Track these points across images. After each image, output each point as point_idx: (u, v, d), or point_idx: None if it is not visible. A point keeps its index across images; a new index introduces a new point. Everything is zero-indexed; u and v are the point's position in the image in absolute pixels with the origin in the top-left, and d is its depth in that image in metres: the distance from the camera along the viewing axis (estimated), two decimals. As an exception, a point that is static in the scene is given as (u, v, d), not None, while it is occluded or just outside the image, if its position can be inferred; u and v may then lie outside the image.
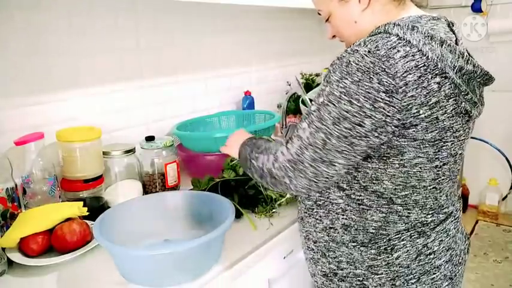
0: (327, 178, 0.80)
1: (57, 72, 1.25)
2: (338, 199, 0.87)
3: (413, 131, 0.75)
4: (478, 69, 0.80)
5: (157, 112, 1.58)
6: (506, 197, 3.07)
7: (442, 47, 0.76)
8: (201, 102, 1.76)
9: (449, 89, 0.76)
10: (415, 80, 0.73)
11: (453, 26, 0.85)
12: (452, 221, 0.91)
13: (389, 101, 0.72)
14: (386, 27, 0.79)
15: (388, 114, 0.73)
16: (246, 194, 1.19)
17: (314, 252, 0.95)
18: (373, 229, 0.85)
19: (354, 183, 0.84)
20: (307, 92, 2.01)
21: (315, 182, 0.80)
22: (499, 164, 3.05)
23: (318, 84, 2.12)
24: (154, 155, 1.31)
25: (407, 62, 0.73)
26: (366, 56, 0.74)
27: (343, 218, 0.88)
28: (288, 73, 2.23)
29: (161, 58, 1.56)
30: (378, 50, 0.74)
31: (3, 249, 0.95)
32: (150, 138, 1.33)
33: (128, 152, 1.27)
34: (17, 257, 0.94)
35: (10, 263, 0.94)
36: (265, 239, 1.05)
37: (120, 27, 1.40)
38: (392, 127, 0.74)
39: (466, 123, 0.83)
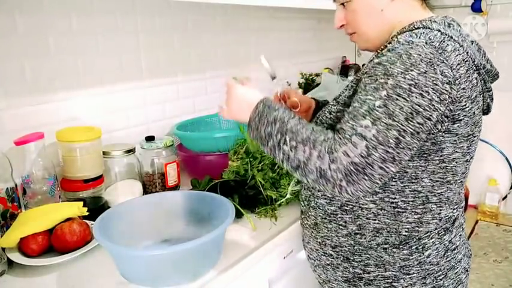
0: (388, 178, 0.75)
1: (57, 72, 1.25)
2: (369, 204, 0.84)
3: (458, 125, 0.77)
4: (493, 69, 0.86)
5: (157, 112, 1.58)
6: (506, 197, 3.07)
7: (472, 45, 0.81)
8: (201, 102, 1.76)
9: (481, 85, 0.80)
10: (464, 73, 0.75)
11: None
12: (461, 215, 0.94)
13: (450, 92, 0.72)
14: (424, 23, 0.80)
15: (447, 106, 0.73)
16: (246, 194, 1.19)
17: (333, 258, 0.91)
18: (406, 231, 0.85)
19: (391, 185, 0.81)
20: (305, 93, 2.01)
21: (377, 184, 0.74)
22: (499, 164, 3.04)
23: (318, 84, 2.12)
24: (154, 155, 1.31)
25: (457, 55, 0.75)
26: (425, 46, 0.73)
27: (374, 223, 0.85)
28: (288, 73, 2.23)
29: (161, 58, 1.56)
30: (432, 42, 0.74)
31: (3, 249, 0.95)
32: (150, 138, 1.32)
33: (128, 152, 1.27)
34: (17, 257, 0.94)
35: (10, 263, 0.94)
36: (265, 239, 1.05)
37: (120, 27, 1.40)
38: (443, 117, 0.74)
39: (482, 118, 0.87)
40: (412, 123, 0.71)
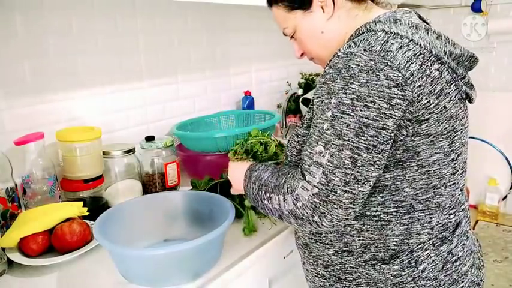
0: (363, 198, 0.72)
1: (57, 72, 1.25)
2: (351, 220, 0.78)
3: (427, 125, 0.72)
4: (465, 52, 0.80)
5: (157, 112, 1.58)
6: (506, 197, 3.07)
7: (428, 34, 0.76)
8: (201, 102, 1.76)
9: (448, 74, 0.75)
10: (418, 69, 0.70)
11: (421, 17, 0.84)
12: (466, 222, 0.87)
13: (402, 94, 0.68)
14: (368, 26, 0.76)
15: (405, 109, 0.69)
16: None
17: (325, 279, 0.87)
18: (394, 245, 0.79)
19: (371, 200, 0.77)
20: (306, 93, 2.01)
21: (352, 208, 0.70)
22: (499, 164, 3.05)
23: (318, 84, 2.11)
24: (154, 155, 1.31)
25: (404, 52, 0.70)
26: (363, 54, 0.69)
27: (359, 239, 0.80)
28: (288, 73, 2.23)
29: (161, 58, 1.56)
30: (372, 46, 0.70)
31: (3, 249, 0.95)
32: (150, 138, 1.33)
33: (127, 152, 1.27)
34: (17, 257, 0.94)
35: (10, 263, 0.94)
36: (265, 239, 1.05)
37: (119, 27, 1.40)
38: (406, 121, 0.70)
39: (466, 108, 0.82)
40: (363, 138, 0.68)
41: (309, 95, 2.00)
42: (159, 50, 1.55)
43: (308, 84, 2.14)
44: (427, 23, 0.82)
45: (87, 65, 1.33)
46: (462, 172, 0.83)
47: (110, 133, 1.39)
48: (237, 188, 0.95)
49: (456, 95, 0.76)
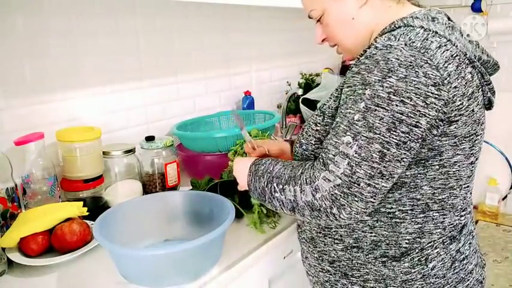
0: (383, 193, 0.71)
1: (57, 72, 1.25)
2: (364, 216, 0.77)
3: (455, 127, 0.72)
4: (490, 59, 0.81)
5: (157, 112, 1.58)
6: (506, 197, 3.07)
7: (462, 37, 0.76)
8: (201, 102, 1.76)
9: (478, 78, 0.75)
10: (455, 70, 0.69)
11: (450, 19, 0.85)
12: (471, 222, 0.88)
13: (438, 94, 0.67)
14: (405, 21, 0.74)
15: (439, 108, 0.68)
16: (246, 194, 1.19)
17: (331, 274, 0.86)
18: (406, 243, 0.79)
19: (388, 196, 0.76)
20: (305, 93, 2.01)
21: (372, 202, 0.70)
22: (499, 164, 3.04)
23: (317, 84, 2.11)
24: (154, 155, 1.31)
25: (443, 52, 0.69)
26: (404, 49, 0.68)
27: (371, 236, 0.80)
28: (288, 73, 2.23)
29: (161, 58, 1.56)
30: (413, 42, 0.69)
31: (3, 249, 0.95)
32: (150, 138, 1.32)
33: (127, 152, 1.27)
34: (17, 257, 0.94)
35: (10, 263, 0.94)
36: (265, 239, 1.05)
37: (120, 28, 1.40)
38: (438, 121, 0.70)
39: (485, 114, 0.82)
40: (395, 133, 0.67)
41: (309, 95, 2.00)
42: (159, 50, 1.55)
43: (308, 84, 2.14)
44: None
45: (87, 64, 1.33)
46: (473, 175, 0.84)
47: (110, 133, 1.39)
48: (242, 184, 0.93)
49: (482, 100, 0.76)
